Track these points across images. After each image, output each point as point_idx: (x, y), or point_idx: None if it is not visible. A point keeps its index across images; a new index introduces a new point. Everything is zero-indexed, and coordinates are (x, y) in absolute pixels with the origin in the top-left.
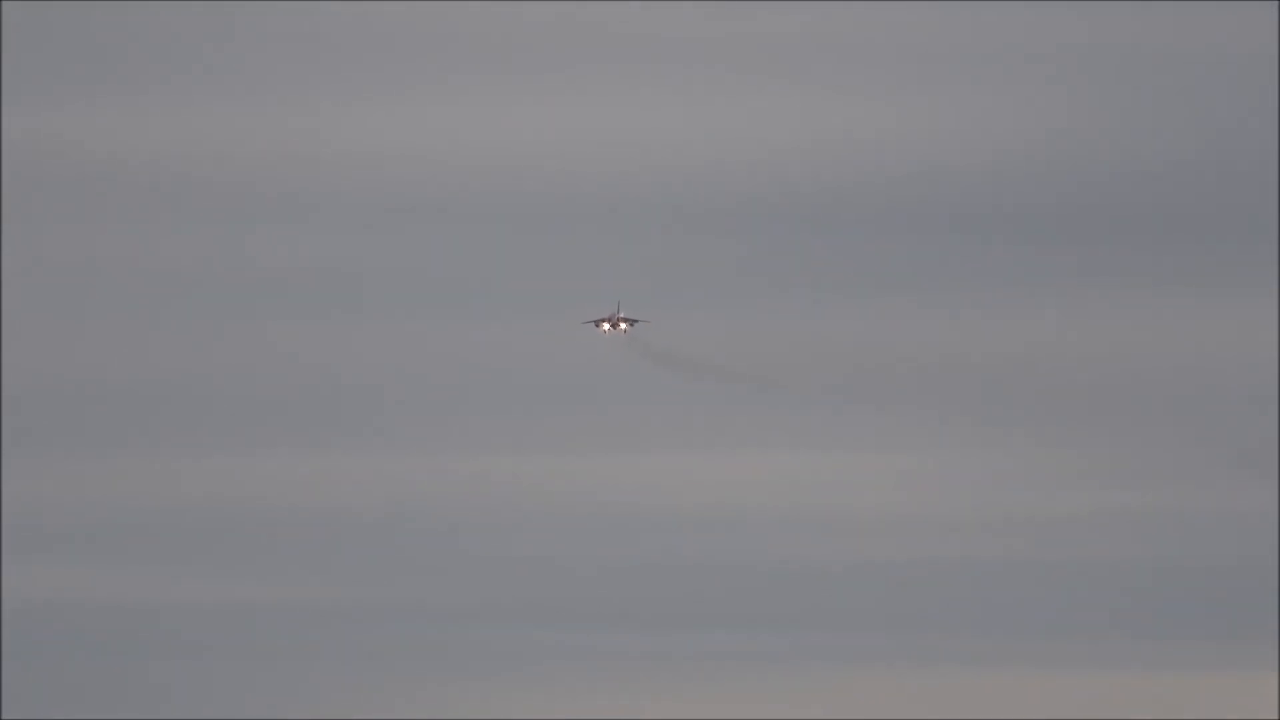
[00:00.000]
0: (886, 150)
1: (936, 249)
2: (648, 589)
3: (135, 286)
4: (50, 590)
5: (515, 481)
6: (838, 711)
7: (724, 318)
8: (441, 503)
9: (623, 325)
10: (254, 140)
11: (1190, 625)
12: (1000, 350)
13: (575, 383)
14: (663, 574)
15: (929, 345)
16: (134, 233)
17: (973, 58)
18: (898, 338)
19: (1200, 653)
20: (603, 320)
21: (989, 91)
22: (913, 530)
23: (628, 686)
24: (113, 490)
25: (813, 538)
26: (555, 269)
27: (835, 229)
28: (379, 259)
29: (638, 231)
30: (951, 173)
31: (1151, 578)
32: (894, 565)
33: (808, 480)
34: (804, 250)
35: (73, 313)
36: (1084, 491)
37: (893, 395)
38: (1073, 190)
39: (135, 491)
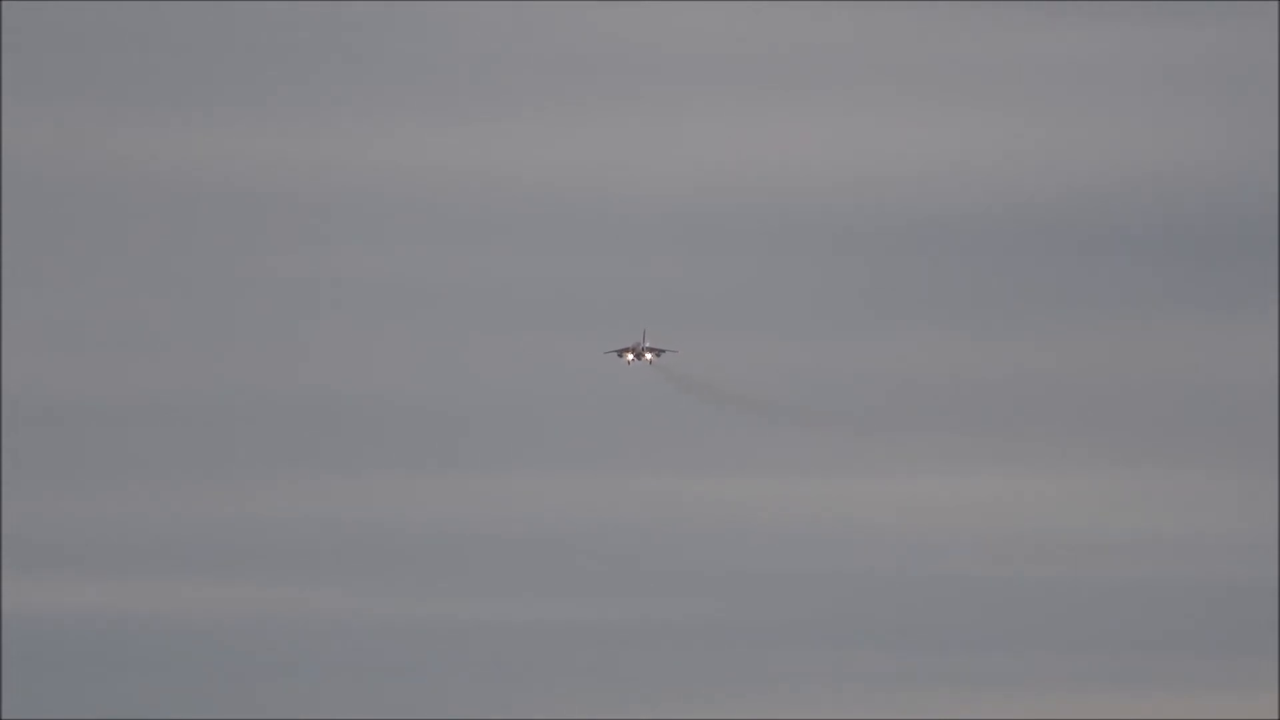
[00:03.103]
0: (957, 175)
1: (1017, 275)
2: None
3: (140, 293)
4: (49, 602)
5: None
6: None
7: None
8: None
9: (648, 356)
10: (268, 149)
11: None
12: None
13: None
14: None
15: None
16: (135, 238)
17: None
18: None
19: None
20: (626, 350)
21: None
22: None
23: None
24: (126, 507)
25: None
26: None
27: (901, 254)
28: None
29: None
30: (1032, 195)
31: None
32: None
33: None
34: (875, 277)
35: (76, 321)
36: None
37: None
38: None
39: (146, 508)
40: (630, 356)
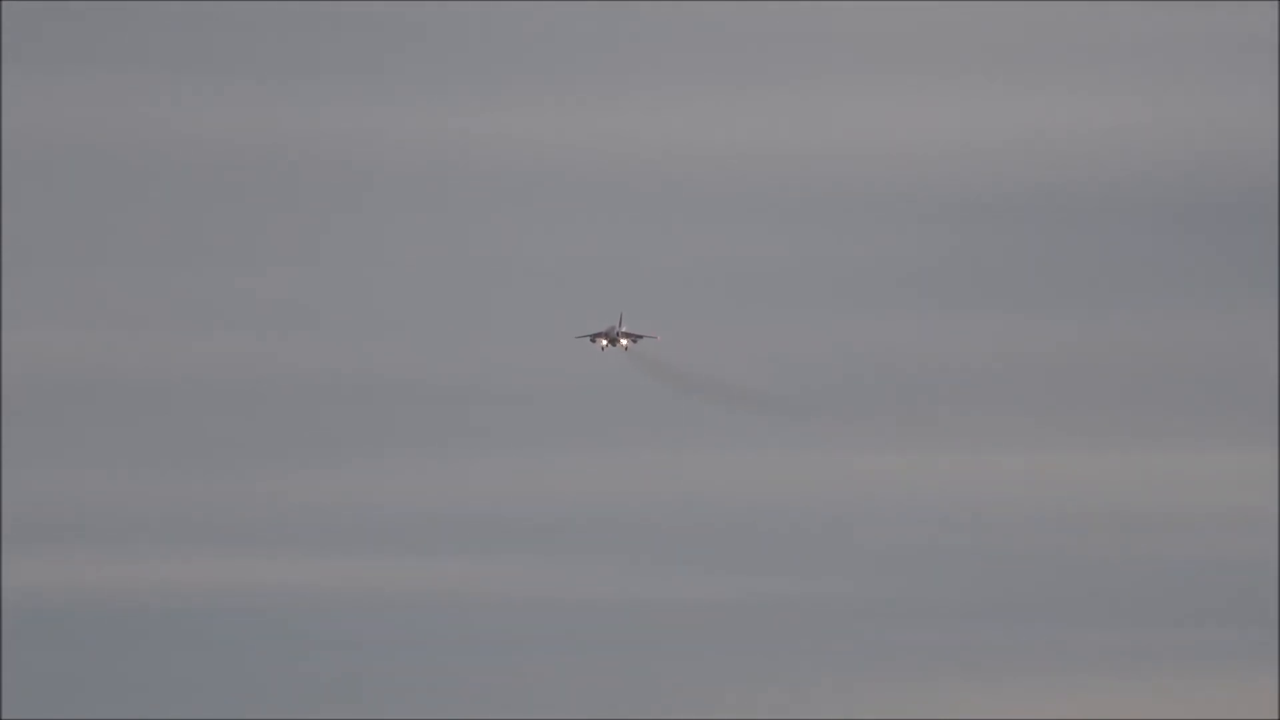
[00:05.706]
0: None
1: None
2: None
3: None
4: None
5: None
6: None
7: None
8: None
9: (623, 342)
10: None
11: None
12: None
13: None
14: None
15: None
16: (137, 215)
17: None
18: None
19: None
20: (600, 335)
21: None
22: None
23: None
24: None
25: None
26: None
27: (905, 236)
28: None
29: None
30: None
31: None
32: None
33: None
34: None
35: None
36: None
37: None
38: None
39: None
40: (604, 342)
